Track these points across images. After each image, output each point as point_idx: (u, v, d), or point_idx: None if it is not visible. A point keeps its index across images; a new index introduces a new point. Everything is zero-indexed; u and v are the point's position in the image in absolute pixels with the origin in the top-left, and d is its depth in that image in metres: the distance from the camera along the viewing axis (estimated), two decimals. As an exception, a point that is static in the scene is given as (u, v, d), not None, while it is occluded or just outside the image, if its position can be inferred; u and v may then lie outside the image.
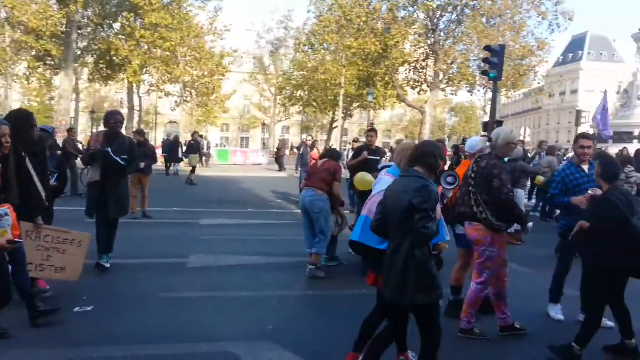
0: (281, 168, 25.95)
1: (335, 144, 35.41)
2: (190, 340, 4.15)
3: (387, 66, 26.92)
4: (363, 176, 6.58)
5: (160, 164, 19.51)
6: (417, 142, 6.92)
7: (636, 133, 33.28)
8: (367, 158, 7.96)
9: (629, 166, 9.11)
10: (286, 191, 16.12)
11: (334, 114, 39.91)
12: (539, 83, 35.67)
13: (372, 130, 8.91)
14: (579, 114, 30.10)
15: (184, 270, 6.37)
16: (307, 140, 17.12)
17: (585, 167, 4.85)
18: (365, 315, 3.63)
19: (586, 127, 46.76)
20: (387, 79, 28.64)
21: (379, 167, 7.72)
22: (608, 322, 4.47)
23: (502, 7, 25.00)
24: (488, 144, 4.77)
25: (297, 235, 7.09)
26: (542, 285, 5.25)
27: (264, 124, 61.80)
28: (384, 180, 3.67)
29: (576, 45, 76.40)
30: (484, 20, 25.46)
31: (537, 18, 25.85)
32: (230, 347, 4.01)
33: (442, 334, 3.16)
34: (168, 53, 27.16)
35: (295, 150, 30.02)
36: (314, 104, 39.59)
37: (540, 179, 8.92)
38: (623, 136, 33.95)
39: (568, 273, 4.94)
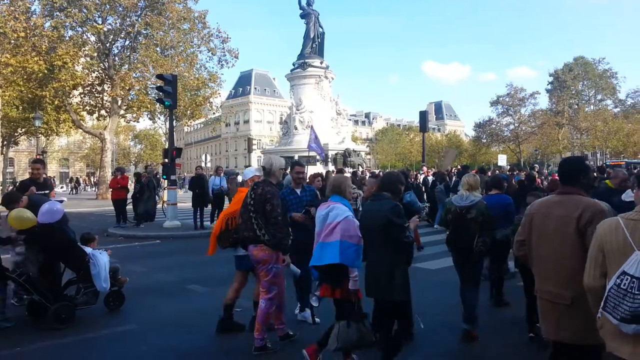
0: None
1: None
2: None
3: (55, 88, 24.42)
4: (19, 212, 5.75)
5: None
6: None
7: (296, 157, 39.82)
8: (35, 193, 7.10)
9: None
10: None
11: (-7, 140, 33.47)
12: (214, 113, 38.66)
13: (38, 162, 7.98)
14: (249, 141, 33.98)
15: None
16: None
17: (299, 190, 5.65)
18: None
19: (257, 153, 53.24)
20: (57, 102, 25.96)
21: (48, 201, 7.06)
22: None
23: (174, 39, 26.15)
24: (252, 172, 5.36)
25: None
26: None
27: None
28: (340, 208, 3.96)
29: (244, 81, 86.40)
30: (158, 49, 26.09)
31: (207, 53, 28.09)
32: None
33: (413, 325, 4.06)
34: None
35: None
36: (-37, 127, 32.36)
37: None
38: (287, 160, 40.22)
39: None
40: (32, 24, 23.35)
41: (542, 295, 3.06)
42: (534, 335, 4.70)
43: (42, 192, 7.32)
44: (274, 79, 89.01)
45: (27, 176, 8.15)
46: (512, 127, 58.01)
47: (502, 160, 32.36)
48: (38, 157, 23.25)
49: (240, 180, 5.65)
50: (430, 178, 16.26)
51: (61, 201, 7.33)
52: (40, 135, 31.91)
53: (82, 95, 27.72)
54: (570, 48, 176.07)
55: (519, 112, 57.31)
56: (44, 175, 8.06)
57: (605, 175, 10.60)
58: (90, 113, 28.53)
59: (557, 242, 2.93)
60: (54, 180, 38.86)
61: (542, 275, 3.06)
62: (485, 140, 60.93)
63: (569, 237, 2.87)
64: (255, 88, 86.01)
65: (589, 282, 2.48)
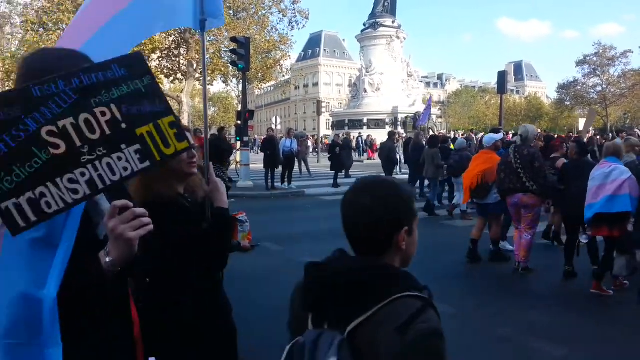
0: None
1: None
2: None
3: (136, 52, 25.56)
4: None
5: None
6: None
7: (365, 121, 39.32)
8: None
9: None
10: None
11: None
12: (284, 76, 38.85)
13: None
14: (319, 104, 33.92)
15: None
16: None
17: None
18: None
19: (326, 116, 53.20)
20: (137, 66, 27.19)
21: None
22: (508, 246, 7.06)
23: (245, 1, 26.30)
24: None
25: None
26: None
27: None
28: (622, 168, 5.05)
29: (314, 43, 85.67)
30: (231, 12, 26.39)
31: (278, 14, 28.03)
32: None
33: None
34: None
35: None
36: (55, 91, 34.88)
37: None
38: (355, 124, 39.68)
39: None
40: (113, -10, 24.34)
41: None
42: None
43: None
44: (343, 40, 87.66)
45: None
46: (599, 88, 53.71)
47: (586, 124, 30.13)
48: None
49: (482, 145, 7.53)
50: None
51: None
52: (123, 98, 33.72)
53: (160, 59, 28.80)
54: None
55: (607, 73, 52.80)
56: None
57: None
58: (168, 76, 29.64)
59: None
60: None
61: None
62: (568, 103, 56.94)
63: None
64: (325, 50, 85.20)
65: None
